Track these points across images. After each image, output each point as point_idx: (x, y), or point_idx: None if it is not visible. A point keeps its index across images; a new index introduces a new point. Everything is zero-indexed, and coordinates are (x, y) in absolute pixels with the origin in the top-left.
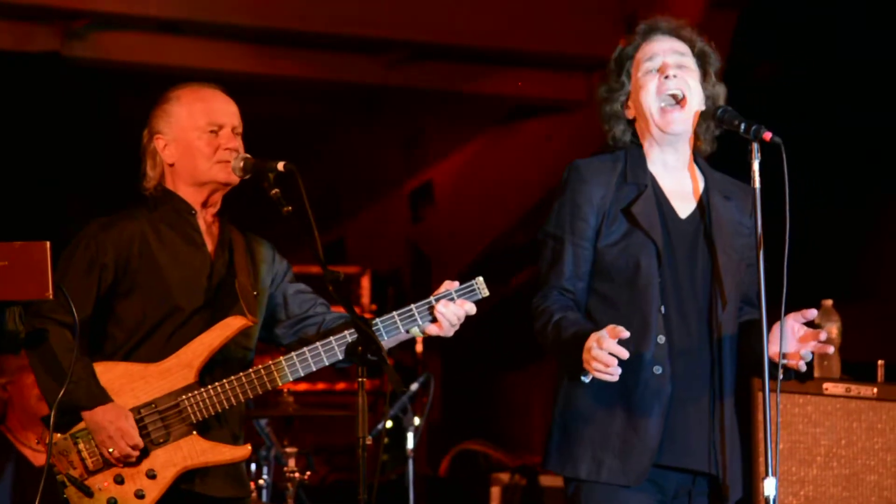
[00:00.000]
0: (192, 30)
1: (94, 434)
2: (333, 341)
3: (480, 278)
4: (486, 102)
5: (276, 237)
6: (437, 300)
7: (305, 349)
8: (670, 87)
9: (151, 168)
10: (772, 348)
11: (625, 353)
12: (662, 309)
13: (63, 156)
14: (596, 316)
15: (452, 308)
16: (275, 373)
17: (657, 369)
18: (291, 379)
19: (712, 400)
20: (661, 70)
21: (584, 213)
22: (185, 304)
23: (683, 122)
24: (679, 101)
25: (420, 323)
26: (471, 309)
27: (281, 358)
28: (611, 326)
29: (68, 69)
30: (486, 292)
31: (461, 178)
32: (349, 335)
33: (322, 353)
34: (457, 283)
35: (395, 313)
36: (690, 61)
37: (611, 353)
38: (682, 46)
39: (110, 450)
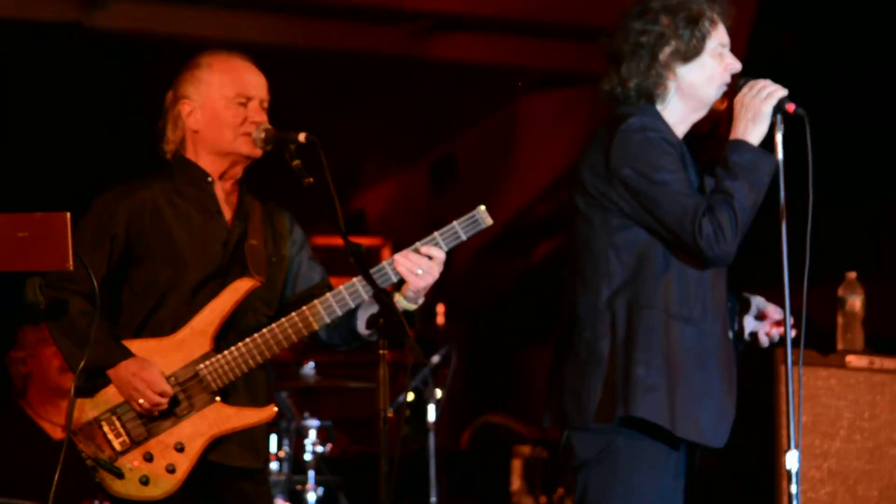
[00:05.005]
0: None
1: (121, 389)
2: (343, 290)
3: (482, 207)
4: (508, 74)
5: (293, 209)
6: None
7: (316, 300)
8: (727, 77)
9: (172, 131)
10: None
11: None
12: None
13: (84, 126)
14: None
15: (413, 258)
16: (289, 329)
17: (730, 334)
18: (306, 334)
19: None
20: (727, 62)
21: (673, 149)
22: (196, 272)
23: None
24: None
25: (392, 279)
26: (438, 254)
27: (294, 313)
28: None
29: (90, 39)
30: (489, 221)
31: (483, 150)
32: (358, 281)
33: (333, 303)
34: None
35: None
36: None
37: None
38: None
39: (140, 401)
